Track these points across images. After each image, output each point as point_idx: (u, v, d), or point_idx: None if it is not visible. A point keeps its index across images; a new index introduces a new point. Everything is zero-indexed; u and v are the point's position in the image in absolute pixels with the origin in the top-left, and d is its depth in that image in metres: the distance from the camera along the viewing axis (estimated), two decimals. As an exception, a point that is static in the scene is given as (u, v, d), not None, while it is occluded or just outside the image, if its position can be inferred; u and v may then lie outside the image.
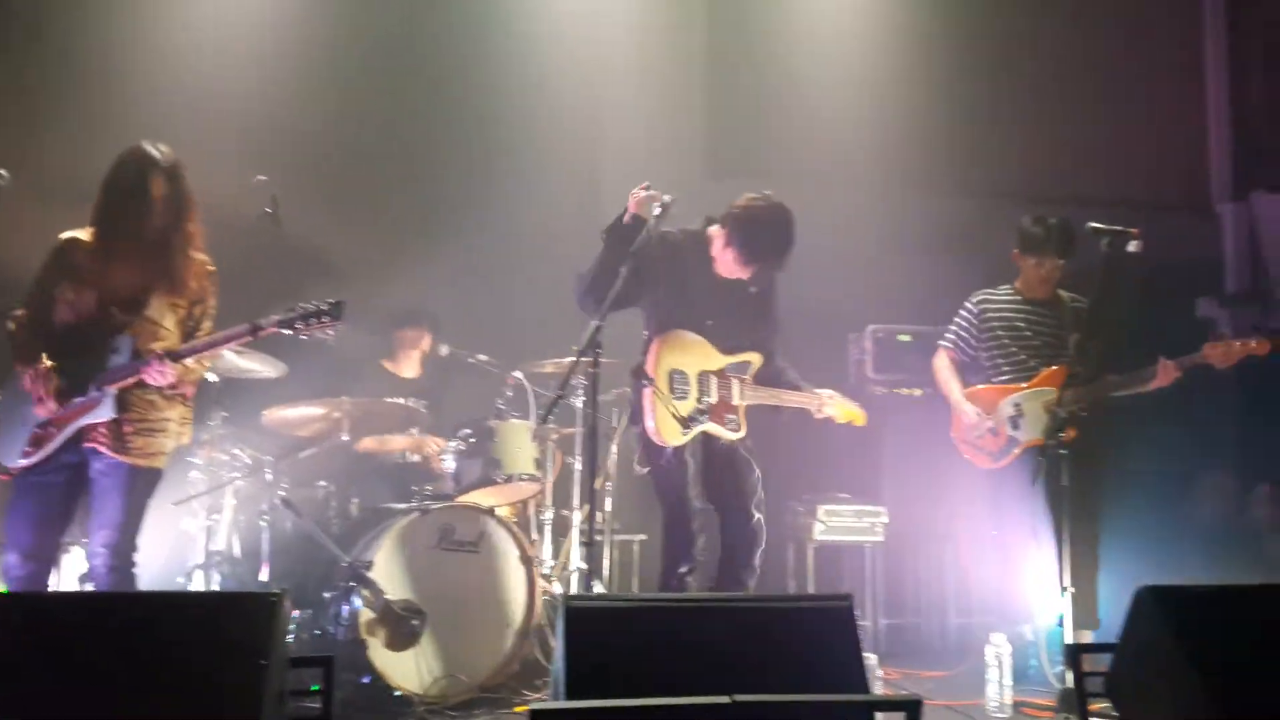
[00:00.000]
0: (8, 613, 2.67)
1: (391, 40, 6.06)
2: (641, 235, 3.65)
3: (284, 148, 5.50)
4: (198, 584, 4.38)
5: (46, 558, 3.52)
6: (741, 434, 4.00)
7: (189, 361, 3.48)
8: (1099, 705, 3.24)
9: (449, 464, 4.62)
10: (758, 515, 4.00)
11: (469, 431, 4.66)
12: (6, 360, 3.54)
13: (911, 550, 5.67)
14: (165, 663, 2.58)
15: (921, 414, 5.66)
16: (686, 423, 3.85)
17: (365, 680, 3.95)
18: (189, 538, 4.58)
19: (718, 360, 3.99)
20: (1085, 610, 4.31)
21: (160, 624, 2.68)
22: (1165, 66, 7.19)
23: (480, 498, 4.58)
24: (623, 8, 6.33)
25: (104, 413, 3.41)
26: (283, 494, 4.36)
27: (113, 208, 3.51)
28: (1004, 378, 4.65)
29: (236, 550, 4.60)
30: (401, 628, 3.97)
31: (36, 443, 3.44)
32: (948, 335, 4.87)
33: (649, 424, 3.83)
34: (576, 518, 4.92)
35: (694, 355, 3.95)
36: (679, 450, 3.86)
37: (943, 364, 4.85)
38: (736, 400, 4.00)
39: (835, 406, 4.11)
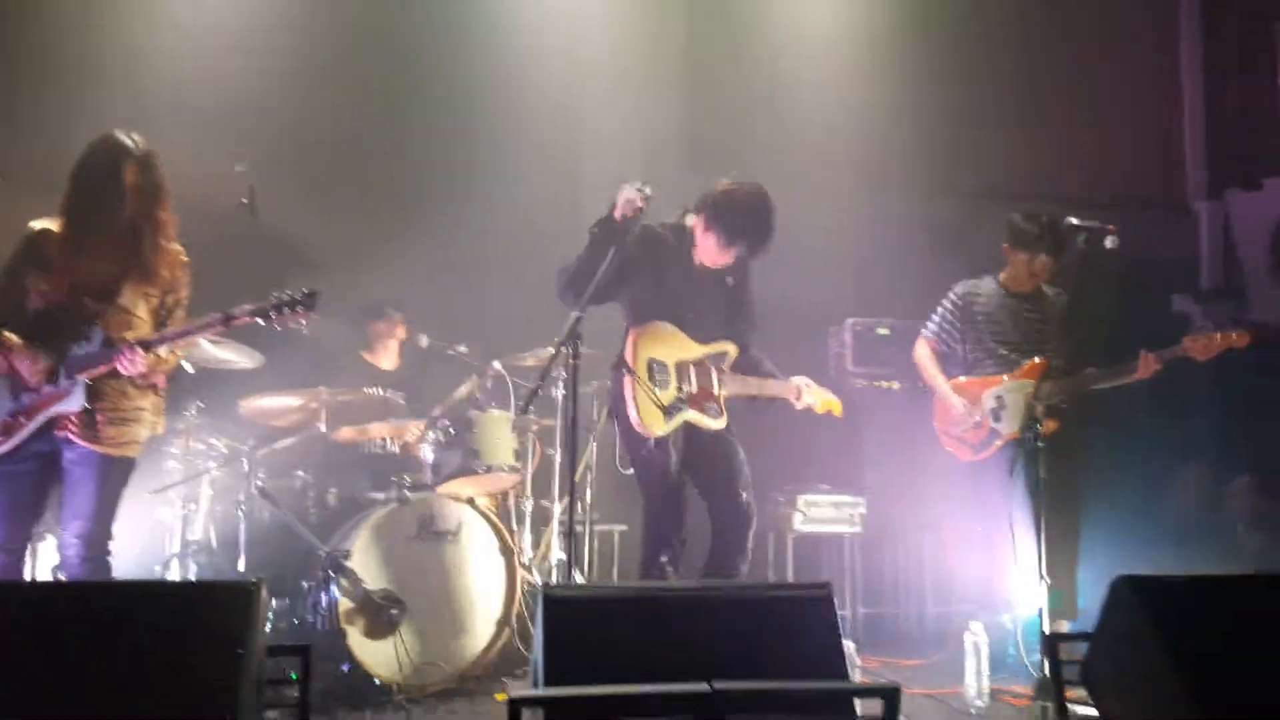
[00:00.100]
0: (-19, 601, 2.65)
1: (372, 33, 6.03)
2: (622, 233, 3.66)
3: (262, 139, 5.46)
4: (174, 574, 4.36)
5: (19, 548, 3.48)
6: (723, 421, 4.01)
7: (162, 351, 3.45)
8: (1075, 694, 3.27)
9: (428, 454, 4.60)
10: (747, 496, 3.99)
11: (448, 422, 4.64)
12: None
13: (890, 540, 5.71)
14: (142, 652, 2.57)
15: (900, 406, 5.71)
16: (669, 411, 3.85)
17: (344, 669, 3.93)
18: (165, 527, 4.54)
19: (695, 350, 3.99)
20: (1064, 601, 4.34)
21: (136, 613, 2.66)
22: (1143, 69, 7.25)
23: (459, 488, 4.57)
24: (603, 5, 6.32)
25: (74, 402, 3.37)
26: (260, 484, 4.33)
27: (84, 197, 3.46)
28: (986, 370, 4.66)
29: (213, 540, 4.56)
30: (380, 617, 3.95)
31: (6, 431, 3.40)
32: (930, 325, 4.87)
33: (631, 413, 3.82)
34: (556, 509, 4.92)
35: (671, 345, 3.95)
36: (662, 441, 3.86)
37: (924, 354, 4.85)
38: (716, 389, 4.00)
39: (813, 394, 4.12)
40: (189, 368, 4.29)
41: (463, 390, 4.96)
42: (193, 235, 3.72)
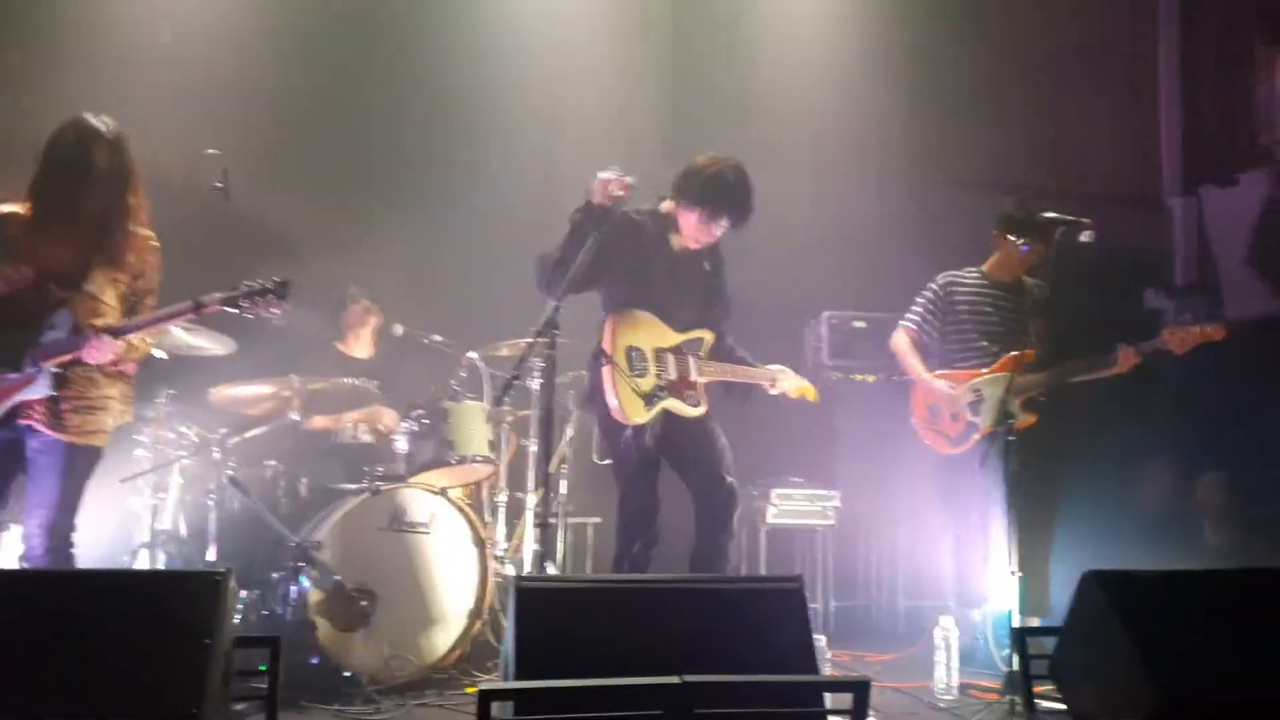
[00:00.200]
0: (-56, 591, 2.62)
1: (351, 20, 5.98)
2: (602, 219, 3.66)
3: (236, 123, 5.41)
4: (143, 563, 4.31)
5: (-20, 538, 3.45)
6: (702, 409, 4.00)
7: (132, 338, 3.41)
8: (1043, 688, 3.30)
9: (401, 445, 4.58)
10: (730, 478, 3.98)
11: (422, 412, 4.62)
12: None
13: (863, 534, 5.73)
14: (108, 642, 2.56)
15: (875, 400, 5.73)
16: (648, 399, 3.85)
17: (314, 661, 3.91)
18: (134, 516, 4.50)
19: (672, 338, 3.99)
20: (1037, 596, 4.36)
21: (103, 603, 2.65)
22: (1121, 65, 7.30)
23: (433, 479, 4.54)
24: (586, -5, 6.31)
25: (39, 389, 3.33)
26: (230, 473, 4.30)
27: (51, 180, 3.41)
28: (967, 362, 4.64)
29: (182, 530, 4.53)
30: (351, 609, 3.93)
31: (-32, 419, 3.35)
32: (910, 315, 4.83)
33: (611, 402, 3.81)
34: (531, 500, 4.91)
35: (648, 333, 3.95)
36: (639, 429, 3.85)
37: (903, 343, 4.81)
38: (694, 376, 4.00)
39: (788, 381, 4.13)
40: (160, 354, 4.25)
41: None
42: (165, 219, 3.67)
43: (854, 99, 6.43)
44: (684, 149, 4.12)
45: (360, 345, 5.46)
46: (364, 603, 3.95)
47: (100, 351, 3.31)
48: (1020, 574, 3.76)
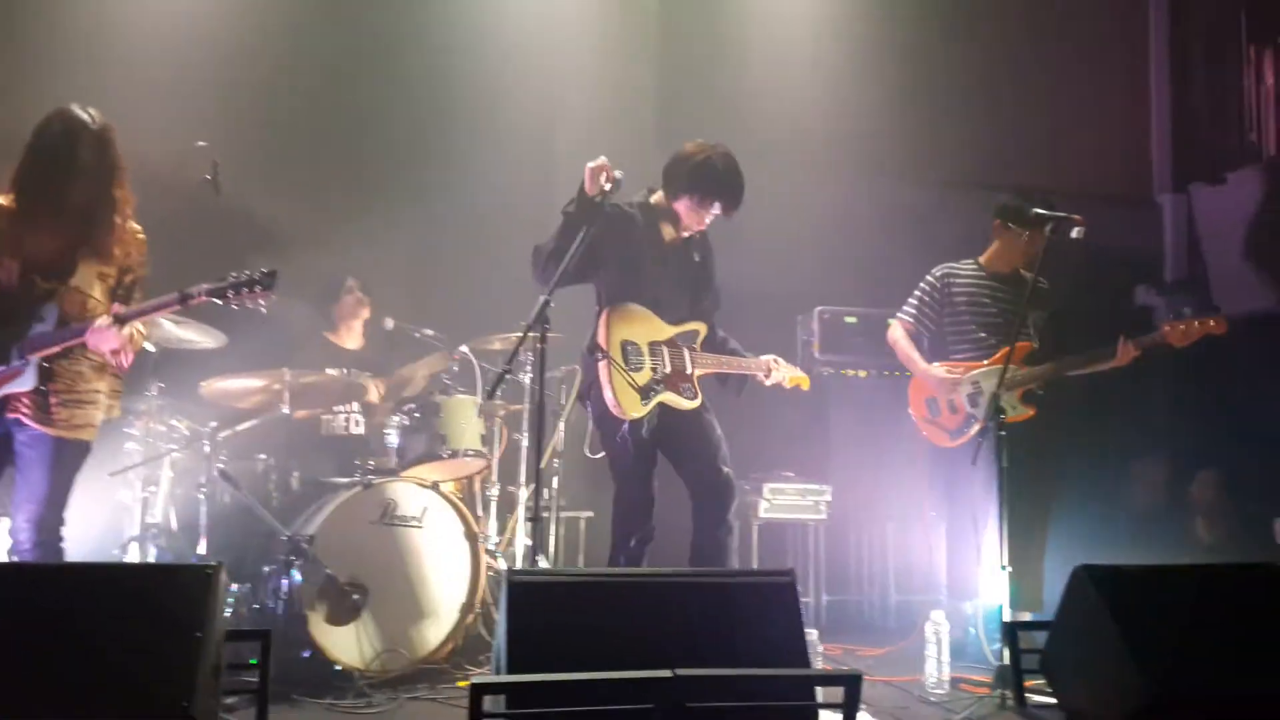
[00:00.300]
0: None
1: (344, 10, 5.95)
2: (597, 209, 3.66)
3: (229, 117, 5.38)
4: (133, 556, 4.29)
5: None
6: (698, 402, 4.00)
7: (138, 325, 3.39)
8: (1034, 682, 3.31)
9: (392, 439, 4.57)
10: (727, 470, 3.98)
11: (413, 406, 4.61)
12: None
13: (855, 528, 5.74)
14: (98, 636, 2.55)
15: (867, 395, 5.74)
16: (645, 393, 3.84)
17: (305, 655, 3.90)
18: (125, 509, 4.48)
19: (666, 331, 3.99)
20: (1030, 591, 4.36)
21: (94, 596, 2.65)
22: (1112, 62, 7.31)
23: (424, 473, 4.54)
24: (579, -12, 6.29)
25: (26, 382, 3.30)
26: (221, 466, 4.28)
27: (36, 172, 3.37)
28: (964, 354, 4.61)
29: (173, 523, 4.51)
30: (343, 602, 3.93)
31: (-46, 413, 3.33)
32: (908, 308, 4.79)
33: (607, 396, 3.80)
34: (523, 494, 4.91)
35: (643, 326, 3.94)
36: (636, 424, 3.85)
37: (900, 336, 4.77)
38: (690, 369, 4.00)
39: (781, 371, 4.13)
40: (150, 348, 4.23)
41: (422, 368, 4.94)
42: (154, 212, 3.65)
43: (845, 97, 6.43)
44: (678, 141, 4.11)
45: (351, 336, 5.44)
46: (355, 596, 3.94)
47: (104, 338, 3.28)
48: (1012, 569, 3.76)
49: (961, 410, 4.52)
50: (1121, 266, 6.77)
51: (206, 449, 4.31)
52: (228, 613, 3.80)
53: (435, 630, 4.15)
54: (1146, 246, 7.15)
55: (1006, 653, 3.43)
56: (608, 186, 3.68)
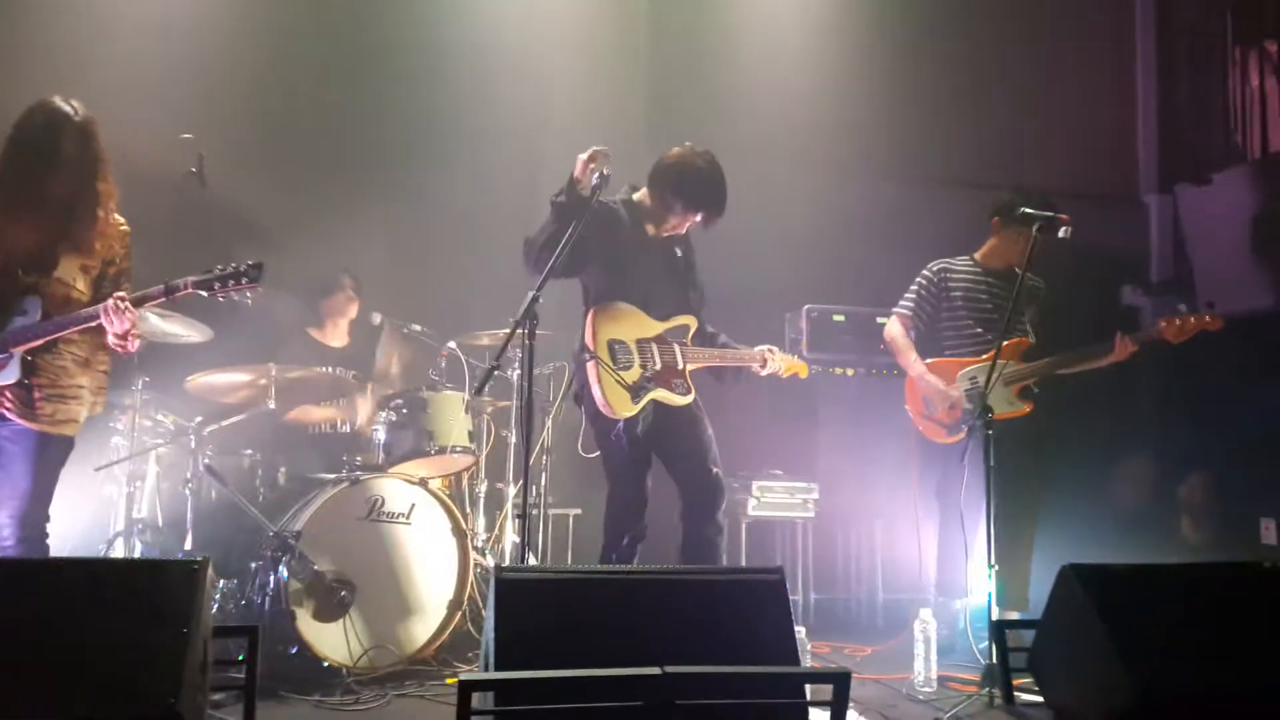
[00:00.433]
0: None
1: (333, 6, 5.93)
2: (584, 203, 3.66)
3: (216, 111, 5.35)
4: (118, 552, 4.27)
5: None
6: (690, 397, 4.00)
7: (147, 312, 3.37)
8: (1022, 680, 3.32)
9: (380, 435, 4.55)
10: (717, 470, 3.99)
11: (401, 402, 4.60)
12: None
13: (843, 526, 5.74)
14: (84, 632, 2.53)
15: (855, 393, 5.74)
16: (635, 391, 3.84)
17: (292, 651, 3.88)
18: (110, 504, 4.45)
19: (654, 327, 3.99)
20: (1016, 590, 4.38)
21: (79, 592, 2.62)
22: (1099, 62, 7.33)
23: (412, 469, 4.53)
24: (566, -15, 6.28)
25: (8, 376, 3.28)
26: (207, 461, 4.26)
27: (18, 164, 3.35)
28: (961, 349, 4.61)
29: (159, 518, 4.49)
30: (330, 599, 3.92)
31: (-65, 406, 3.29)
32: (905, 302, 4.79)
33: (597, 396, 3.80)
34: (511, 491, 4.90)
35: (629, 324, 3.94)
36: (630, 423, 3.85)
37: (898, 331, 4.76)
38: (681, 364, 3.99)
39: (777, 360, 4.14)
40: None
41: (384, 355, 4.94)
42: (139, 205, 3.63)
43: (834, 95, 6.44)
44: (667, 144, 4.12)
45: (336, 334, 5.42)
46: (343, 593, 3.93)
47: (120, 318, 3.25)
48: (1000, 567, 3.77)
49: (959, 406, 4.52)
50: (1108, 266, 6.79)
51: (192, 444, 4.29)
52: (214, 609, 3.80)
53: (423, 627, 4.13)
54: (1132, 246, 7.18)
55: (994, 651, 3.44)
56: (595, 179, 3.69)
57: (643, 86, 6.41)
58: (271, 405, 4.51)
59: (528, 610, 2.63)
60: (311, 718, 3.56)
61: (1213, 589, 3.10)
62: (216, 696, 3.28)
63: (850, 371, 5.80)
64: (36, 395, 3.33)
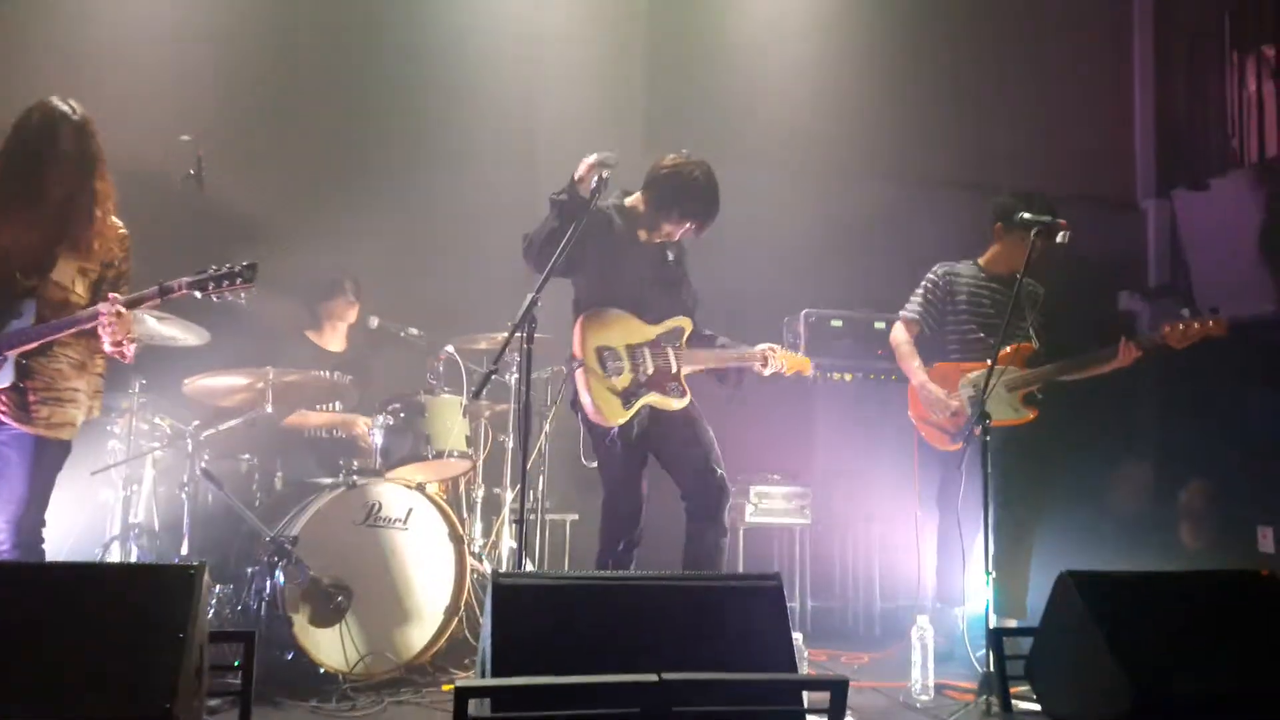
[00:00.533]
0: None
1: (331, 9, 5.92)
2: (584, 205, 3.68)
3: (213, 113, 5.35)
4: (114, 556, 4.26)
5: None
6: (686, 400, 4.00)
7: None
8: (1019, 688, 3.31)
9: (377, 439, 4.54)
10: (720, 471, 3.98)
11: (398, 406, 4.59)
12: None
13: (840, 533, 5.73)
14: (80, 636, 2.52)
15: (853, 398, 5.73)
16: (627, 397, 3.83)
17: (288, 657, 3.87)
18: (106, 508, 4.45)
19: (646, 332, 3.98)
20: (1015, 598, 4.36)
21: (75, 596, 2.61)
22: (1097, 67, 7.34)
23: (409, 473, 4.52)
24: (563, -15, 6.28)
25: (3, 379, 3.26)
26: (204, 466, 4.25)
27: (15, 164, 3.34)
28: (965, 355, 4.60)
29: (156, 523, 4.48)
30: (327, 604, 3.90)
31: (-71, 410, 3.28)
32: (912, 306, 4.77)
33: (586, 404, 3.80)
34: (508, 496, 4.89)
35: (619, 330, 3.94)
36: (625, 428, 3.84)
37: (903, 337, 4.73)
38: (675, 367, 3.99)
39: (779, 359, 4.12)
40: (132, 344, 4.20)
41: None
42: (137, 207, 3.62)
43: (833, 99, 6.45)
44: (664, 147, 4.12)
45: (334, 338, 5.40)
46: (339, 598, 3.92)
47: (113, 329, 3.24)
48: (999, 575, 3.76)
49: (962, 413, 4.50)
50: (1105, 271, 6.80)
51: (189, 448, 4.28)
52: (210, 614, 3.78)
53: (420, 633, 4.12)
54: (1130, 251, 7.18)
55: (992, 658, 3.43)
56: (594, 183, 3.70)
57: (642, 89, 6.41)
58: (269, 409, 4.50)
59: (525, 616, 2.62)
60: (307, 724, 3.56)
61: (1210, 596, 3.10)
62: (212, 702, 3.27)
63: (848, 377, 5.79)
64: (32, 399, 3.31)
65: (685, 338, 4.08)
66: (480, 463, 4.95)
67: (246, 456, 4.59)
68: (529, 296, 3.45)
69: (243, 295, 3.40)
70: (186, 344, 4.41)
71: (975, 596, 4.33)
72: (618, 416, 3.82)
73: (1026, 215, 4.21)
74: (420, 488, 4.28)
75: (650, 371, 3.93)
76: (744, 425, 5.17)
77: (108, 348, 3.33)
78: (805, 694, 2.72)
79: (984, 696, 3.55)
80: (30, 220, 3.34)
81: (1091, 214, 6.27)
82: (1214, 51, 7.06)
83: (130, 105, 4.75)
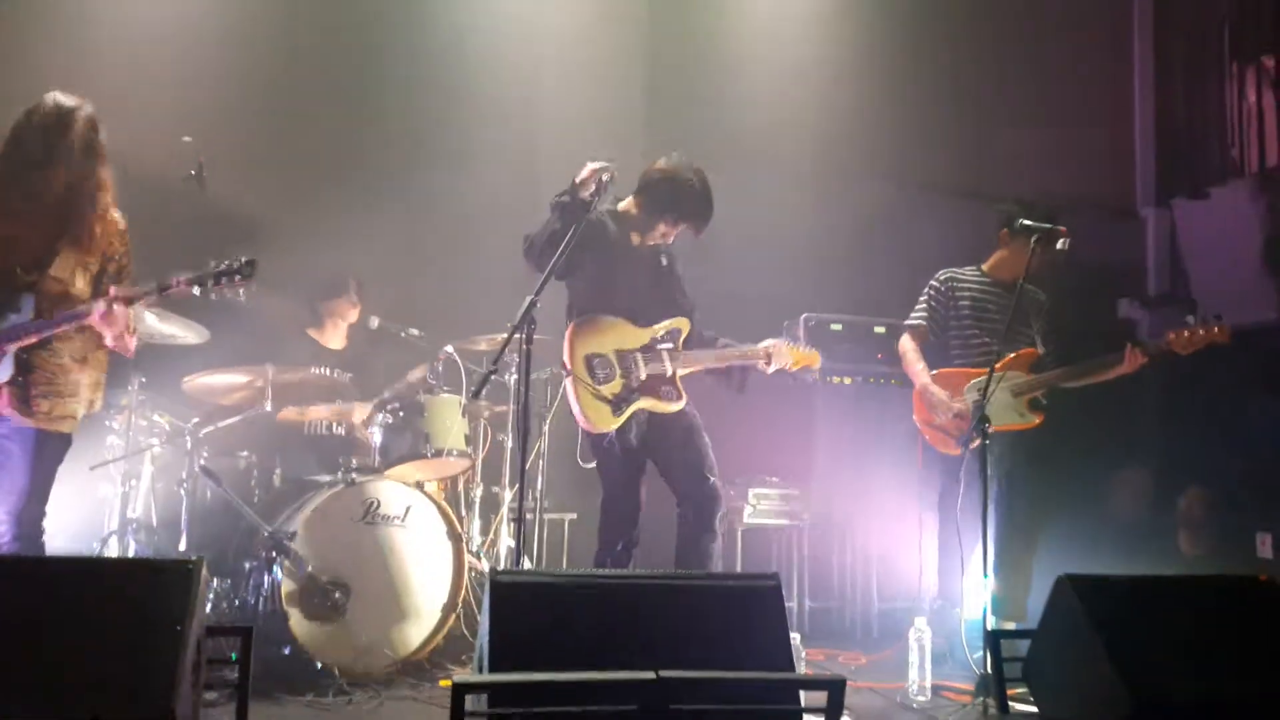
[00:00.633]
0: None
1: (331, 9, 5.93)
2: (585, 208, 3.70)
3: (214, 112, 5.35)
4: (113, 551, 4.27)
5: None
6: (683, 403, 4.00)
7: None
8: (1017, 690, 3.31)
9: (376, 437, 4.55)
10: (714, 478, 3.99)
11: (397, 405, 4.59)
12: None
13: (838, 535, 5.73)
14: (78, 630, 2.52)
15: (852, 401, 5.73)
16: (617, 404, 3.84)
17: (286, 652, 3.87)
18: (105, 504, 4.45)
19: (639, 337, 3.98)
20: (1016, 600, 4.36)
21: (73, 590, 2.61)
22: (1097, 74, 7.34)
23: (408, 472, 4.53)
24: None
25: (1, 374, 3.27)
26: (203, 462, 4.25)
27: (17, 159, 3.35)
28: (970, 360, 4.58)
29: (154, 518, 4.48)
30: (324, 600, 3.91)
31: (-70, 404, 3.28)
32: (918, 313, 4.75)
33: (576, 412, 3.83)
34: (507, 495, 4.89)
35: (610, 336, 3.94)
36: (622, 431, 3.85)
37: (909, 345, 4.72)
38: (670, 371, 3.99)
39: (784, 355, 4.11)
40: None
41: (415, 374, 4.93)
42: (138, 208, 3.62)
43: (832, 103, 6.45)
44: (664, 148, 4.13)
45: (335, 336, 5.41)
46: (337, 594, 3.92)
47: (111, 324, 3.24)
48: (1002, 578, 3.76)
49: (965, 416, 4.49)
50: (1104, 279, 6.80)
51: (188, 444, 4.29)
52: (208, 609, 3.78)
53: (417, 630, 4.13)
54: (1129, 260, 7.19)
55: (989, 660, 3.43)
56: (594, 186, 3.72)
57: (642, 93, 6.42)
58: (268, 407, 4.51)
59: (523, 614, 2.62)
60: (304, 719, 3.55)
61: (1208, 601, 3.10)
62: (210, 696, 3.27)
63: (848, 380, 5.80)
64: (33, 392, 3.32)
65: (683, 339, 4.08)
66: (479, 462, 4.95)
67: (245, 453, 4.60)
68: (528, 298, 3.45)
69: (242, 292, 3.40)
70: (186, 342, 4.42)
71: (974, 601, 4.33)
72: (608, 424, 3.83)
73: (1027, 222, 4.22)
74: (419, 486, 4.29)
75: (643, 377, 3.93)
76: (744, 427, 5.18)
77: (109, 341, 3.33)
78: (802, 693, 2.72)
79: (981, 698, 3.55)
80: (31, 216, 3.35)
81: (1091, 221, 6.28)
82: (1214, 61, 7.06)
83: (131, 106, 4.75)
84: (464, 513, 4.95)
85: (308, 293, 5.33)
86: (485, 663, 2.56)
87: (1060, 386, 4.46)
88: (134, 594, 2.61)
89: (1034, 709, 3.22)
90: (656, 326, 4.02)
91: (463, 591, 4.24)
